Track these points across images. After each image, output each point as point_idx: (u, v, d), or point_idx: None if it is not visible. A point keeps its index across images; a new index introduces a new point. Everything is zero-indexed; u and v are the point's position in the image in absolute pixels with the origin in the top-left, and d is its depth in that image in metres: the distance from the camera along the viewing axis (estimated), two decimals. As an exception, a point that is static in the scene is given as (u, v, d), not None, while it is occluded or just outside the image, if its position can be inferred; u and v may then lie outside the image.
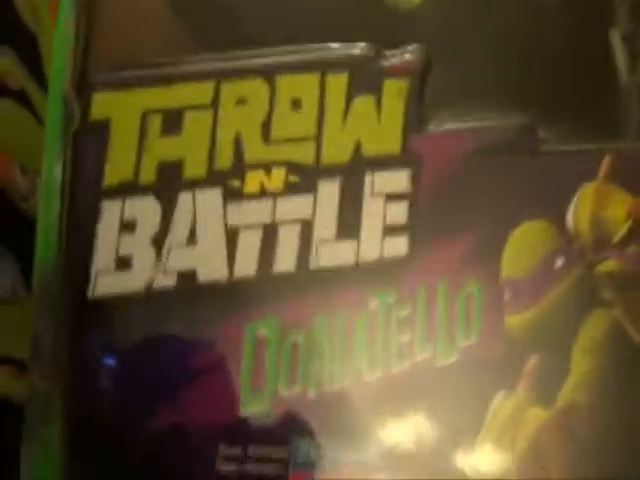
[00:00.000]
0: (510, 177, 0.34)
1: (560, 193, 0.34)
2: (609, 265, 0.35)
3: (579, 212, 0.35)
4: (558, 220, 0.34)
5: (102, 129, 0.35)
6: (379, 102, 0.34)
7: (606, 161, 0.35)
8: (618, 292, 0.34)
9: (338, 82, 0.34)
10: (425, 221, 0.34)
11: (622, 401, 0.34)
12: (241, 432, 0.33)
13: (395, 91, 0.34)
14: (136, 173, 0.35)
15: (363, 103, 0.34)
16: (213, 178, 0.34)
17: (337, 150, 0.34)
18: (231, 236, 0.34)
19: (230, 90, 0.35)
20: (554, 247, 0.34)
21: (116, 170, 0.35)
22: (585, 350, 0.34)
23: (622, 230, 0.35)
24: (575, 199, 0.35)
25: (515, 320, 0.34)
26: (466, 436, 0.33)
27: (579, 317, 0.34)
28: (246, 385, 0.33)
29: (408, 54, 0.35)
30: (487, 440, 0.33)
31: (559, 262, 0.34)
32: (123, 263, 0.35)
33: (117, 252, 0.35)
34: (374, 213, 0.33)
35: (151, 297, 0.34)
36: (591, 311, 0.34)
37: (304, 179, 0.34)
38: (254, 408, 0.33)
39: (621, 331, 0.34)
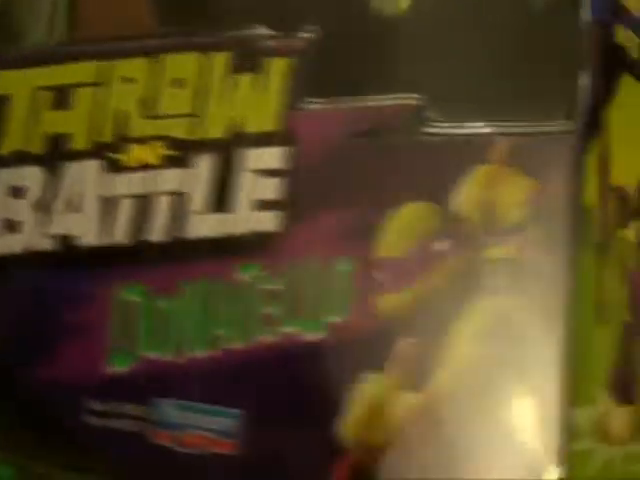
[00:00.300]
0: (393, 158, 0.34)
1: (448, 175, 0.34)
2: (501, 250, 0.34)
3: (469, 195, 0.34)
4: (443, 203, 0.34)
5: (2, 104, 0.37)
6: (260, 81, 0.35)
7: (503, 143, 0.34)
8: (508, 279, 0.33)
9: (220, 61, 0.35)
10: (299, 198, 0.34)
11: (500, 392, 0.33)
12: (108, 389, 0.34)
13: (277, 71, 0.35)
14: (27, 144, 0.36)
15: (244, 81, 0.35)
16: (97, 151, 0.36)
17: (216, 126, 0.35)
18: (110, 205, 0.35)
19: (118, 69, 0.36)
20: (437, 230, 0.34)
21: (10, 141, 0.37)
22: (465, 337, 0.33)
23: (518, 215, 0.34)
24: (466, 182, 0.34)
25: (388, 301, 0.34)
26: (331, 412, 0.33)
27: (461, 303, 0.33)
28: (114, 345, 0.34)
29: (294, 35, 0.35)
30: (353, 419, 0.33)
31: (442, 245, 0.34)
32: (10, 226, 0.36)
33: (5, 216, 0.36)
34: (248, 188, 0.34)
35: (33, 258, 0.36)
36: (476, 298, 0.33)
37: (182, 153, 0.35)
38: (120, 367, 0.34)
39: (506, 320, 0.33)
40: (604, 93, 0.35)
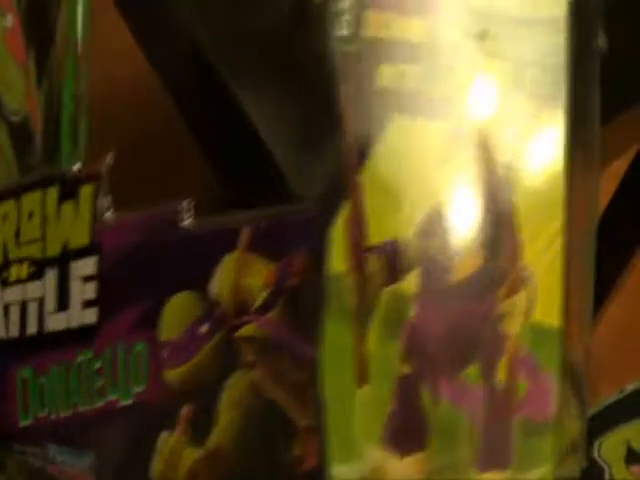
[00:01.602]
0: (168, 255, 0.43)
1: (206, 265, 0.42)
2: (249, 330, 0.41)
3: (221, 281, 0.41)
4: (204, 290, 0.42)
5: None
6: (77, 205, 0.46)
7: (245, 232, 0.41)
8: (257, 354, 0.41)
9: (52, 194, 0.47)
10: (108, 297, 0.45)
11: (258, 447, 0.41)
12: (23, 437, 0.48)
13: (87, 194, 0.46)
14: None
15: (68, 208, 0.46)
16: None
17: (55, 246, 0.47)
18: (6, 310, 0.49)
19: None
20: (200, 314, 0.42)
21: None
22: (228, 404, 0.41)
23: (260, 297, 0.40)
24: (219, 269, 0.42)
25: (172, 374, 0.43)
26: (142, 464, 0.43)
27: (223, 375, 0.41)
28: (20, 407, 0.48)
29: (98, 163, 0.46)
30: (156, 471, 0.43)
31: (204, 327, 0.42)
32: None
33: None
34: (77, 292, 0.46)
35: None
36: (234, 371, 0.41)
37: (38, 269, 0.48)
38: (26, 422, 0.48)
39: (256, 389, 0.41)
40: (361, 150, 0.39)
